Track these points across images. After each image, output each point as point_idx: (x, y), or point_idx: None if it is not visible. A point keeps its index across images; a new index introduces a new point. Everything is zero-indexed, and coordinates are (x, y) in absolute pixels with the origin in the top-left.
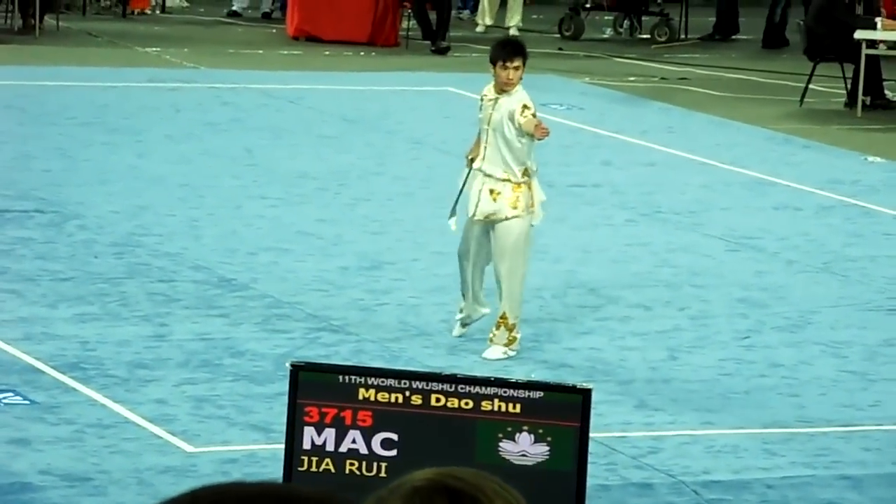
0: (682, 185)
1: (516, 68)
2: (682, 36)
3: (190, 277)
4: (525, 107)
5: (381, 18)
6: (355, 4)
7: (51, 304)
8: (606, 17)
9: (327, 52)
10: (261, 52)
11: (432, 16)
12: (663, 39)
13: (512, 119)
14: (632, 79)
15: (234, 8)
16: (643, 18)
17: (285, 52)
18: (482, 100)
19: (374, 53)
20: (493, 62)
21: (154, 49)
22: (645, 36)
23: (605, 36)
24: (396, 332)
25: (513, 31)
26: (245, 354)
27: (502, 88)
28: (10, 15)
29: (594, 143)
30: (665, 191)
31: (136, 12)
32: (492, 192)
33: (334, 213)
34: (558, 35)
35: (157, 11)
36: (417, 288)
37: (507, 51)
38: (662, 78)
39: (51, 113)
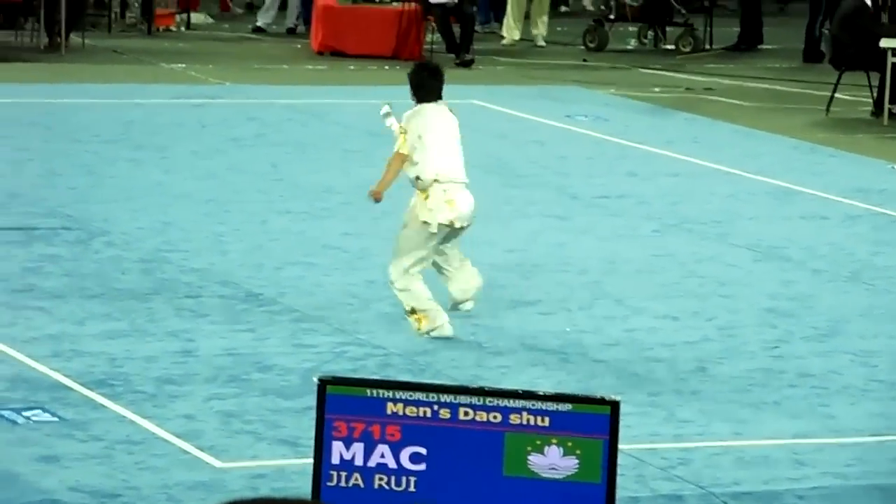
0: (708, 195)
1: None
2: (707, 46)
3: (217, 292)
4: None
5: (405, 32)
6: (379, 19)
7: (79, 321)
8: (631, 28)
9: (352, 67)
10: (286, 67)
11: (456, 29)
12: (688, 50)
13: None
14: (657, 89)
15: (258, 24)
16: (667, 29)
17: (310, 67)
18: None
19: (398, 67)
20: None
21: (179, 65)
22: (669, 46)
23: (629, 47)
24: (423, 345)
25: (539, 42)
26: (273, 369)
27: None
28: (35, 33)
29: (619, 154)
30: (691, 201)
31: (161, 29)
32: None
33: (360, 227)
34: (583, 46)
35: (183, 28)
36: (443, 301)
37: None
38: (687, 88)
39: (77, 130)
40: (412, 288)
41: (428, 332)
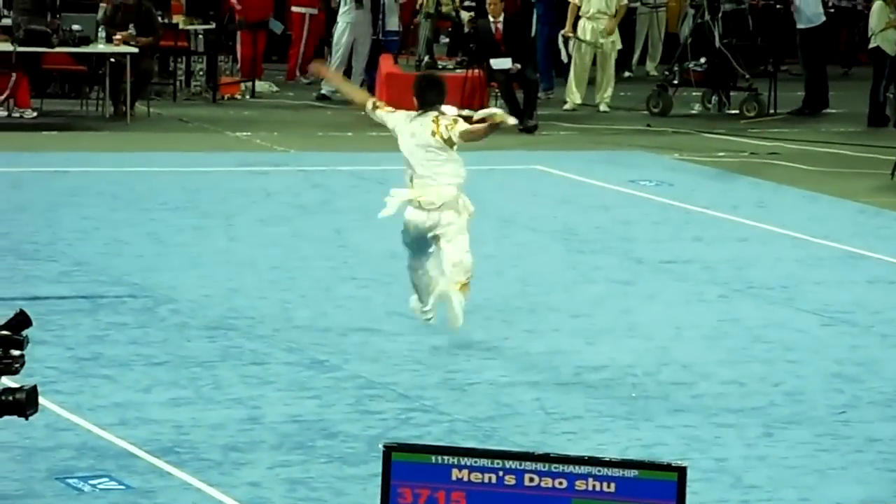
0: (774, 260)
1: None
2: (772, 111)
3: (282, 359)
4: None
5: (468, 98)
6: None
7: (145, 389)
8: (694, 93)
9: None
10: (350, 134)
11: (519, 95)
12: (752, 114)
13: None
14: (721, 154)
15: (323, 91)
16: (731, 93)
17: (374, 134)
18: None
19: None
20: None
21: (244, 133)
22: (733, 111)
23: (693, 111)
24: (488, 411)
25: (602, 108)
26: (338, 436)
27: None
28: (101, 102)
29: (684, 218)
30: (757, 266)
31: (226, 97)
32: None
33: None
34: (646, 111)
35: (248, 96)
36: (508, 367)
37: None
38: (752, 153)
39: (143, 198)
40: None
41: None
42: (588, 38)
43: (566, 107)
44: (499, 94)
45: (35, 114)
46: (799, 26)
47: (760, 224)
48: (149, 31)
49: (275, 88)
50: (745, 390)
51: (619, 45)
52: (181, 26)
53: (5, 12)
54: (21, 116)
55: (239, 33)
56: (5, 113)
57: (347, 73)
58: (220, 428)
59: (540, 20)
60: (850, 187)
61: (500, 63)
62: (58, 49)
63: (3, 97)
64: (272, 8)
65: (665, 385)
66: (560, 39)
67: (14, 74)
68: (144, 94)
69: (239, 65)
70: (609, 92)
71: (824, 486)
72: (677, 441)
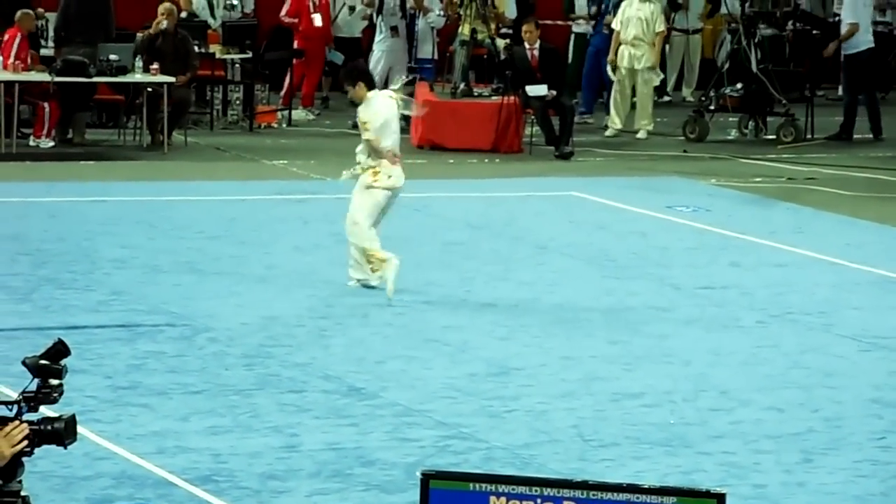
0: (812, 285)
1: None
2: (809, 136)
3: (319, 387)
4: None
5: (504, 126)
6: (478, 113)
7: (183, 418)
8: (731, 119)
9: (451, 161)
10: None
11: (555, 121)
12: (789, 139)
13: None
14: (758, 179)
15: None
16: (768, 119)
17: (410, 161)
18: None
19: (497, 160)
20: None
21: (281, 161)
22: (770, 136)
23: (730, 137)
24: (526, 438)
25: (641, 135)
26: (375, 464)
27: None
28: (138, 131)
29: (722, 244)
30: (795, 291)
31: (262, 126)
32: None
33: (461, 320)
34: (683, 137)
35: (284, 125)
36: (546, 393)
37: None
38: (789, 178)
39: (180, 227)
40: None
41: (381, 277)
42: (626, 63)
43: (607, 133)
44: (534, 120)
45: (53, 143)
46: (846, 52)
47: (798, 249)
48: (185, 60)
49: (311, 117)
50: (784, 416)
51: (659, 75)
52: (218, 55)
53: (44, 42)
54: (38, 146)
55: (294, 61)
56: (52, 143)
57: None
58: (258, 456)
59: (592, 46)
60: (887, 212)
61: (536, 90)
62: (95, 79)
63: (44, 130)
64: (331, 38)
65: (703, 411)
66: (608, 66)
67: (47, 105)
68: (181, 124)
69: (284, 90)
70: (648, 119)
71: None
72: (716, 467)
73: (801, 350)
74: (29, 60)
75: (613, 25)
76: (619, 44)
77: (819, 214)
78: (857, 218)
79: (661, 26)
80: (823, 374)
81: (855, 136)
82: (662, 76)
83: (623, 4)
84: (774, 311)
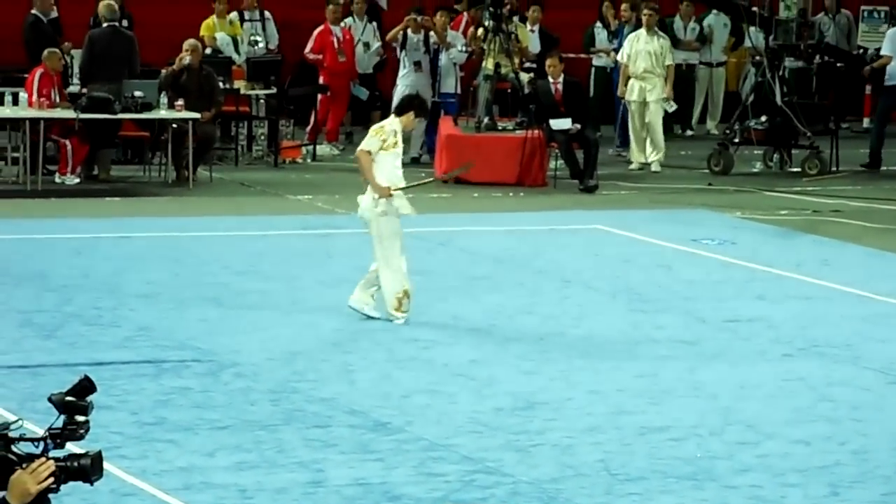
0: (839, 318)
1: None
2: (834, 168)
3: (345, 422)
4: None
5: (528, 159)
6: (503, 146)
7: (209, 453)
8: (756, 151)
9: (476, 194)
10: (410, 196)
11: (579, 155)
12: (814, 172)
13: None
14: (783, 212)
15: None
16: (793, 151)
17: (434, 196)
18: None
19: (522, 194)
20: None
21: (306, 197)
22: (795, 169)
23: (754, 170)
24: (552, 472)
25: (655, 168)
26: (401, 499)
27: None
28: (163, 167)
29: (748, 277)
30: (821, 324)
31: (287, 161)
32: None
33: (486, 354)
34: (707, 170)
35: (308, 160)
36: (572, 427)
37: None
38: (815, 211)
39: (205, 263)
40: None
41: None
42: (635, 97)
43: (632, 167)
44: (558, 153)
45: (78, 180)
46: (888, 83)
47: (824, 282)
48: (210, 96)
49: (336, 152)
50: (811, 449)
51: (671, 106)
52: (242, 91)
53: (72, 80)
54: (63, 183)
55: (319, 96)
56: (77, 180)
57: (406, 135)
58: (284, 492)
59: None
60: None
61: (560, 123)
62: (120, 116)
63: (68, 167)
64: (356, 74)
65: (730, 445)
66: (623, 98)
67: (68, 142)
68: (206, 159)
69: (310, 126)
70: (658, 153)
71: None
72: (743, 501)
73: (828, 383)
74: (56, 98)
75: (620, 59)
76: (629, 77)
77: (845, 247)
78: (884, 250)
79: (669, 59)
80: (850, 406)
81: (881, 168)
82: (676, 106)
83: (630, 38)
84: (801, 343)
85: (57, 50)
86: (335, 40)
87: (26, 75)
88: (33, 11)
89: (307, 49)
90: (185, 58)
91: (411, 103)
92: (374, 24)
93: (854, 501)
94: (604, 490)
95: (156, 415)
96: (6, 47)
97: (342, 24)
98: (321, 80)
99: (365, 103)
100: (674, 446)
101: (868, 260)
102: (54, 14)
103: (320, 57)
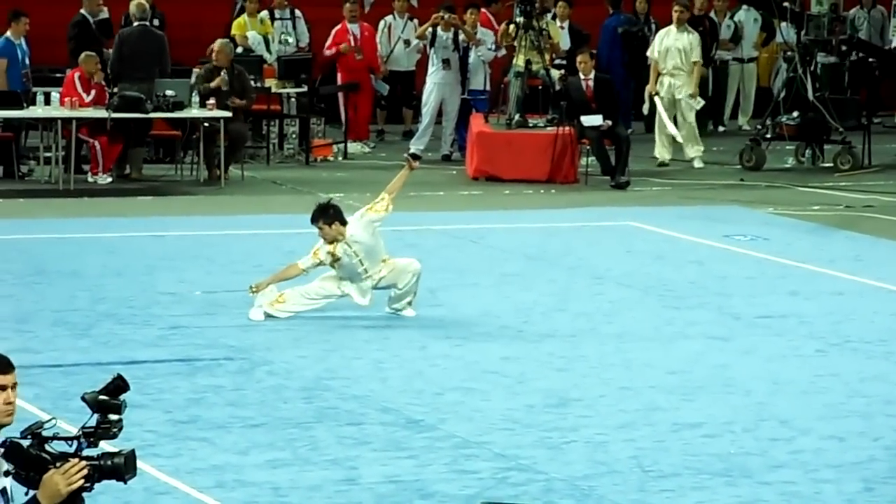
0: (872, 313)
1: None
2: (866, 163)
3: (378, 419)
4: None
5: (559, 156)
6: (534, 143)
7: (242, 451)
8: (788, 147)
9: (507, 192)
10: (442, 193)
11: (611, 151)
12: (846, 167)
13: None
14: (816, 208)
15: (412, 150)
16: (825, 147)
17: (466, 193)
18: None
19: (553, 191)
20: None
21: (337, 194)
22: (828, 164)
23: (787, 165)
24: (585, 469)
25: (697, 164)
26: (435, 496)
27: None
28: (195, 166)
29: (780, 273)
30: (855, 320)
31: (318, 159)
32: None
33: (519, 351)
34: (739, 166)
35: (340, 158)
36: (605, 424)
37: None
38: (847, 206)
39: (237, 261)
40: None
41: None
42: (666, 93)
43: (657, 163)
44: (589, 150)
45: (110, 179)
46: None
47: (857, 277)
48: (241, 94)
49: (367, 150)
50: (845, 445)
51: (698, 103)
52: (274, 90)
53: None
54: (95, 182)
55: (340, 95)
56: (109, 179)
57: (437, 132)
58: (317, 489)
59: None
60: None
61: (591, 120)
62: (152, 115)
63: (99, 166)
64: (379, 69)
65: (763, 441)
66: (646, 96)
67: (97, 142)
68: (238, 158)
69: (344, 127)
70: (696, 148)
71: None
72: (777, 497)
73: (862, 378)
74: (86, 98)
75: (650, 55)
76: (658, 74)
77: (878, 242)
78: None
79: (696, 56)
80: (884, 402)
81: None
82: (703, 102)
83: (660, 35)
84: (834, 339)
85: (93, 53)
86: (351, 38)
87: (67, 71)
88: (81, 11)
89: (326, 46)
90: (217, 58)
91: (316, 216)
92: (416, 21)
93: (888, 496)
94: (637, 487)
95: (189, 413)
96: (52, 46)
97: (382, 22)
98: (339, 78)
99: (397, 101)
100: (707, 443)
101: None
102: (104, 15)
103: (333, 52)
